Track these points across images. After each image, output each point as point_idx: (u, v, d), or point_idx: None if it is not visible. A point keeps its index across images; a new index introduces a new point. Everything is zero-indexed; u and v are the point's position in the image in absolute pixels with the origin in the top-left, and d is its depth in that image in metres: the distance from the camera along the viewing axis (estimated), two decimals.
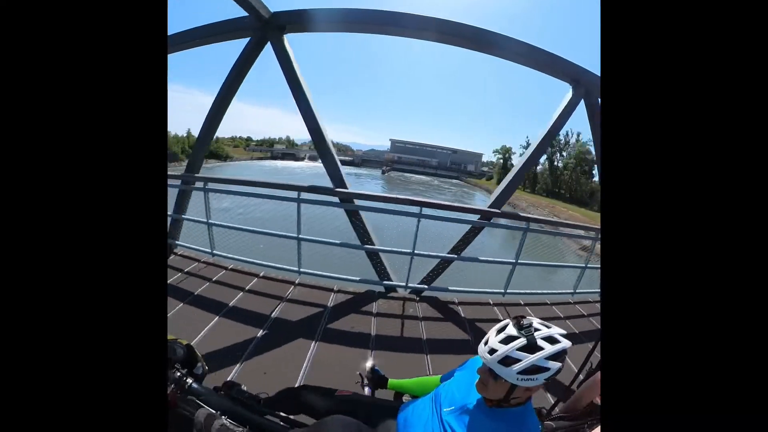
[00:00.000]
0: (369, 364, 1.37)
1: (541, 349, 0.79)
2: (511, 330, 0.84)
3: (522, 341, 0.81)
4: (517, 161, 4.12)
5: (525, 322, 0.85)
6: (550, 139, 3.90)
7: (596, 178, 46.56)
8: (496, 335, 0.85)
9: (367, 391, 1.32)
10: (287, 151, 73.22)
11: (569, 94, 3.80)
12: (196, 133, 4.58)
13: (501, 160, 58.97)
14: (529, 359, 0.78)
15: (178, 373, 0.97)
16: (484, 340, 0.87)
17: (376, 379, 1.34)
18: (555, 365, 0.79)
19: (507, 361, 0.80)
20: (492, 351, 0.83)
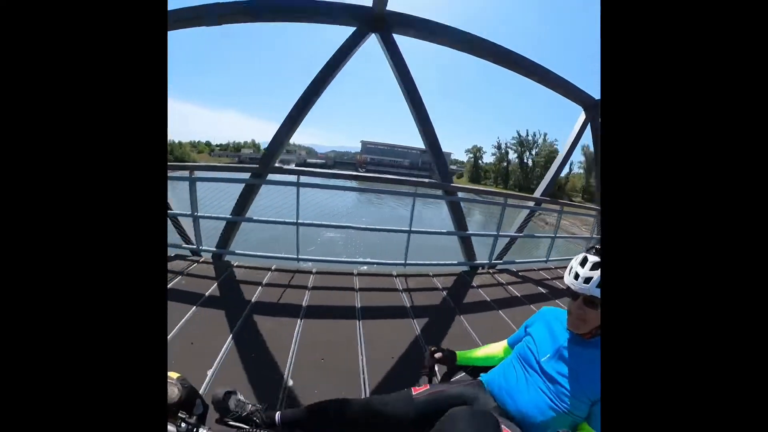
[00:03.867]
0: (432, 347, 1.25)
1: None
2: (594, 258, 0.92)
3: None
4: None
5: (599, 246, 0.94)
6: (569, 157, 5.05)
7: (561, 174, 50.06)
8: (584, 267, 0.92)
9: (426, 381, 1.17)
10: (255, 155, 70.77)
11: (582, 117, 4.83)
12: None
13: (472, 159, 61.02)
14: None
15: (184, 424, 0.74)
16: (572, 276, 0.93)
17: (447, 354, 1.23)
18: None
19: None
20: (588, 279, 0.89)
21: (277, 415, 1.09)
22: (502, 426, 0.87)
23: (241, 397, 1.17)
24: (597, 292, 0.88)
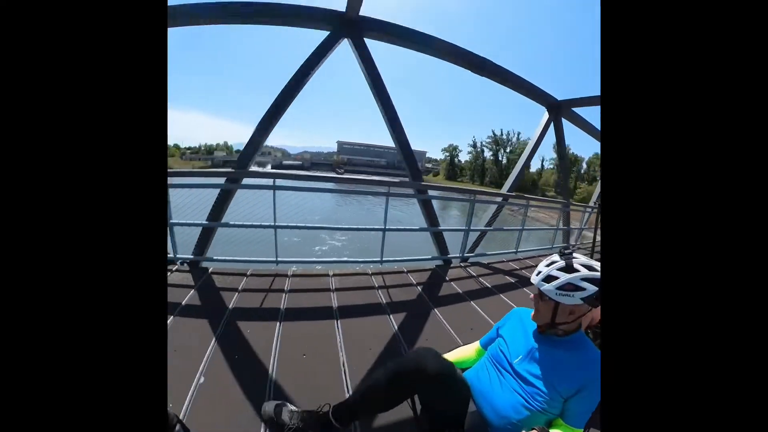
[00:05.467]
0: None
1: (578, 271, 0.95)
2: (555, 257, 1.01)
3: (561, 263, 0.98)
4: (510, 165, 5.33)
5: (566, 251, 1.02)
6: (535, 150, 5.52)
7: (532, 170, 52.68)
8: (545, 263, 1.03)
9: None
10: (229, 158, 68.37)
11: (545, 116, 5.43)
12: None
13: (448, 158, 62.16)
14: (565, 277, 0.95)
15: None
16: (536, 272, 1.03)
17: None
18: (590, 287, 0.92)
19: (548, 279, 0.97)
20: (538, 273, 1.00)
21: (330, 412, 1.13)
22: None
23: (293, 407, 1.19)
24: (542, 286, 0.97)
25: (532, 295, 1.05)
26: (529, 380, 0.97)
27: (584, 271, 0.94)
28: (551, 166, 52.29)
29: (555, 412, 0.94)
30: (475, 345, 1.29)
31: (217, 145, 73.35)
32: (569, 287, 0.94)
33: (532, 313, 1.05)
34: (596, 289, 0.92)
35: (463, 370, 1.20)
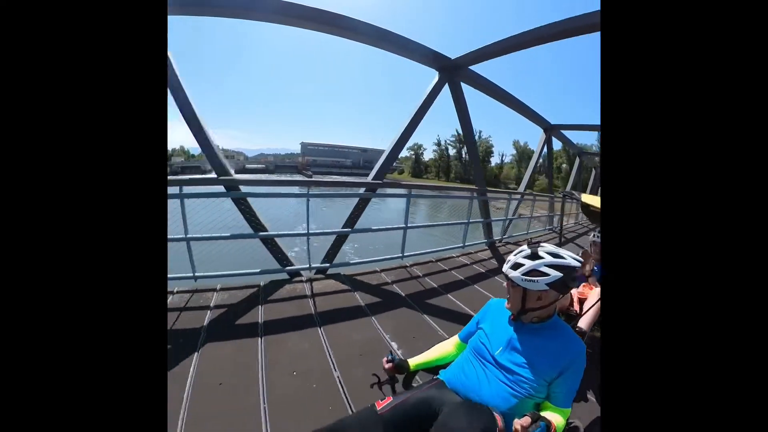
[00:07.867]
0: (385, 358, 1.23)
1: (542, 258, 1.00)
2: (524, 246, 1.08)
3: (527, 251, 1.04)
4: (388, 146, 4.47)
5: (534, 241, 1.08)
6: (419, 118, 4.43)
7: (491, 164, 55.50)
8: (515, 252, 1.08)
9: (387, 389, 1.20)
10: (188, 164, 64.12)
11: (435, 78, 4.51)
12: None
13: (414, 155, 63.41)
14: (529, 264, 1.00)
15: None
16: (507, 260, 1.08)
17: (398, 365, 1.21)
18: (554, 273, 0.97)
19: (515, 266, 1.03)
20: (508, 261, 1.07)
21: None
22: (494, 413, 0.93)
23: None
24: (510, 273, 1.03)
25: (505, 284, 1.09)
26: (512, 369, 1.00)
27: (548, 258, 0.99)
28: (509, 161, 55.14)
29: (541, 396, 0.97)
30: (454, 340, 1.30)
31: (174, 150, 68.88)
32: (534, 273, 0.98)
33: (506, 301, 1.10)
34: (560, 275, 0.97)
35: (444, 366, 1.21)
